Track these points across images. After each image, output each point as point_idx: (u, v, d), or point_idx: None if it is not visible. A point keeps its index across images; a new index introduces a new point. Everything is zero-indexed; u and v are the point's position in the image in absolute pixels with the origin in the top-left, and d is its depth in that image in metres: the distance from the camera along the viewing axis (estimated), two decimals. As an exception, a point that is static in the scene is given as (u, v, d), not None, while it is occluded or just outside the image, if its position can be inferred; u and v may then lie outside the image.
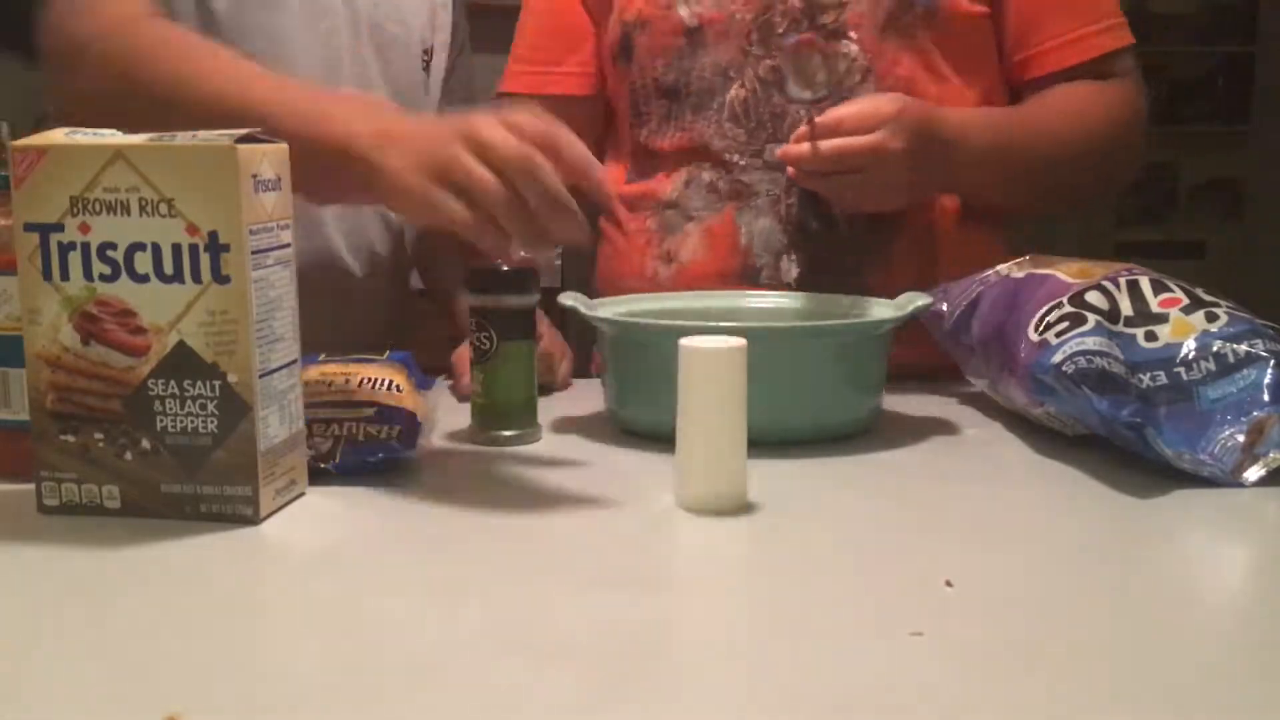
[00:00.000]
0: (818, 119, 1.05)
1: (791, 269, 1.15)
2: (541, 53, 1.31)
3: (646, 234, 1.22)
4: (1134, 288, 0.88)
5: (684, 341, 0.75)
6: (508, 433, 0.93)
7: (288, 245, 0.75)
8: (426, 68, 1.31)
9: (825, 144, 1.04)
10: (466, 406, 1.04)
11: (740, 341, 0.75)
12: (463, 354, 1.05)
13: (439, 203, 0.77)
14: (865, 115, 1.04)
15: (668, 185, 1.21)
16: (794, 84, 1.15)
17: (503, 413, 0.94)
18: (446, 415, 0.99)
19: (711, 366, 0.75)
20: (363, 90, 1.19)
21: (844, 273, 1.14)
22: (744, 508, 0.75)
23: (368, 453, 0.80)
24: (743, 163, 1.17)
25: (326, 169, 0.83)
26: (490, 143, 0.77)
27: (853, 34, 1.14)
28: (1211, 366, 0.83)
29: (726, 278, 1.16)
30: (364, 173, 0.81)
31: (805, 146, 1.05)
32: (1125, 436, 0.79)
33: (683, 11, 1.18)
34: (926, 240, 1.17)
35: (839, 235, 1.15)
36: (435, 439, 0.92)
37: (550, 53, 1.30)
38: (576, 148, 0.78)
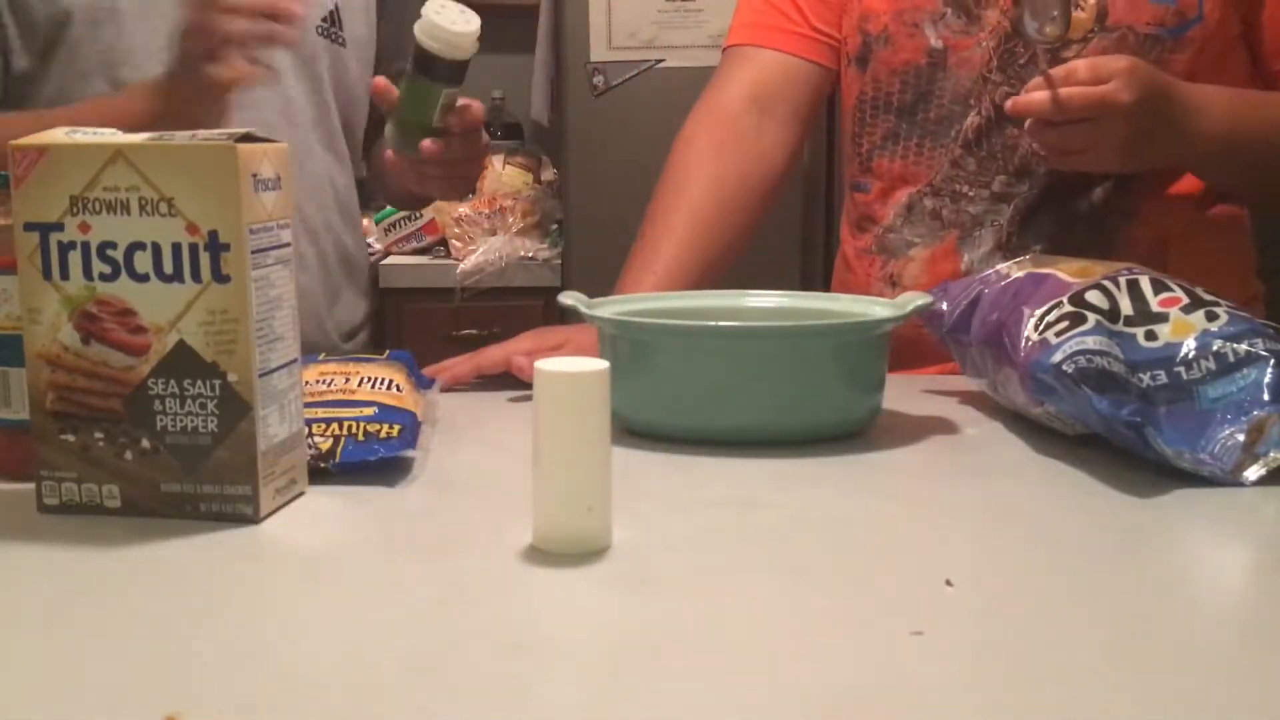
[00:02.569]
0: (1051, 70, 1.04)
1: None
2: (765, 13, 1.29)
3: (870, 257, 1.24)
4: (1134, 287, 0.88)
5: (540, 364, 0.66)
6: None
7: (288, 244, 0.75)
8: (327, 33, 1.29)
9: (1061, 91, 1.03)
10: (466, 406, 1.04)
11: (603, 365, 0.67)
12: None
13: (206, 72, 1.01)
14: (1098, 66, 1.03)
15: (888, 208, 1.22)
16: (1029, 20, 1.09)
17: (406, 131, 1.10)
18: (447, 414, 0.99)
19: (571, 392, 0.66)
20: None
21: None
22: (601, 551, 0.67)
23: (368, 452, 0.80)
24: (971, 194, 1.17)
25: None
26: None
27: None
28: (1211, 366, 0.83)
29: None
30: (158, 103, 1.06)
31: (1037, 95, 1.04)
32: (1125, 436, 0.79)
33: (930, 33, 1.17)
34: (1155, 238, 1.15)
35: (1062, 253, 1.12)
36: (435, 438, 0.92)
37: (777, 12, 1.29)
38: None
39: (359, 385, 0.88)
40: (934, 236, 1.20)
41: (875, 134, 1.23)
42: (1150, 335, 0.85)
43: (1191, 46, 1.13)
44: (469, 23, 1.05)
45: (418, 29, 1.04)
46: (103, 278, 0.71)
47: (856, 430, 0.93)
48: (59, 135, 0.72)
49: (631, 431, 0.91)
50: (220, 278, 0.70)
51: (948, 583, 0.62)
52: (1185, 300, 0.87)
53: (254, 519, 0.72)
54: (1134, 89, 1.02)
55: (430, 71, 1.06)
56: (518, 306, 2.49)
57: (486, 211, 2.62)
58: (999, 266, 1.00)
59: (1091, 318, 0.85)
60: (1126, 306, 0.87)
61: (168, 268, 0.70)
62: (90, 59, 1.18)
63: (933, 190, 1.20)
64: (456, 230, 2.63)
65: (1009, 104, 1.07)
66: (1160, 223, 1.17)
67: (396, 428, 0.83)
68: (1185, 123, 1.07)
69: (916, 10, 1.18)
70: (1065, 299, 0.87)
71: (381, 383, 0.89)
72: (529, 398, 0.67)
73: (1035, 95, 1.04)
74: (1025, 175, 1.16)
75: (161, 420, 0.72)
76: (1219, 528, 0.74)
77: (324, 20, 1.29)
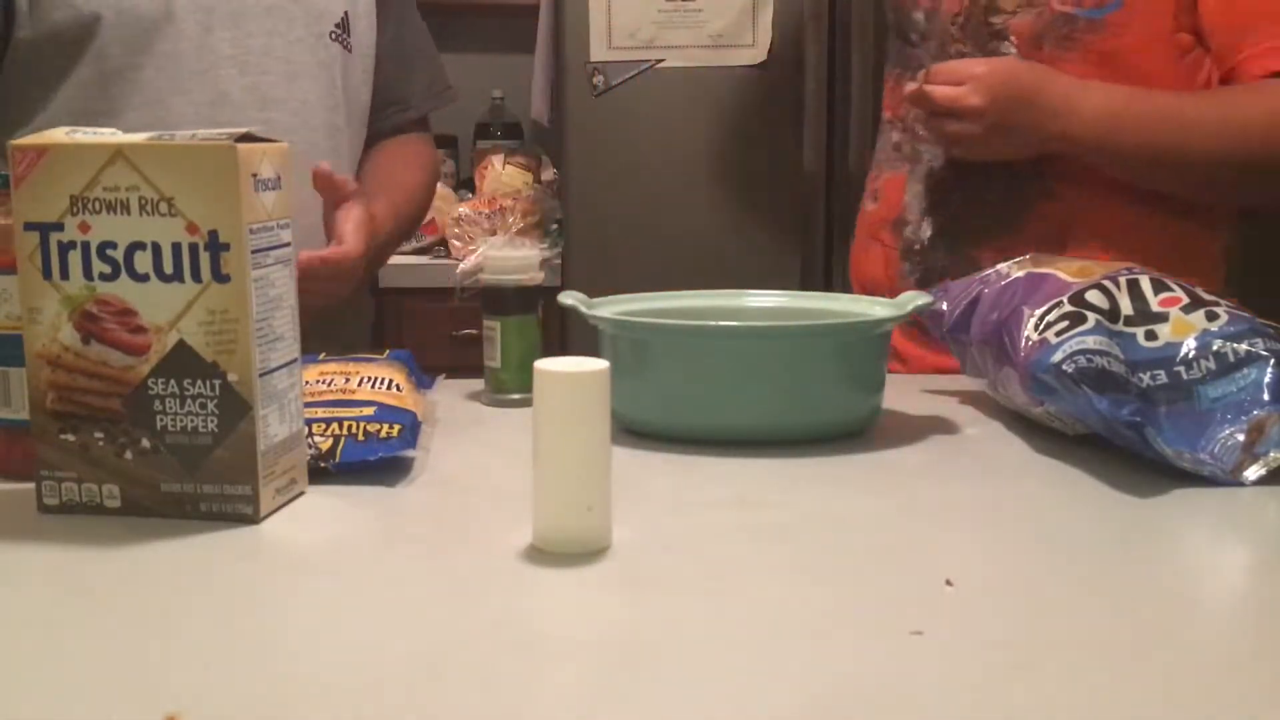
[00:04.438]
0: (930, 67, 1.17)
1: (927, 230, 1.26)
2: None
3: (872, 171, 1.37)
4: (1134, 287, 0.88)
5: (540, 364, 0.66)
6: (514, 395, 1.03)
7: (288, 244, 0.75)
8: (339, 39, 1.31)
9: (908, 88, 1.18)
10: (466, 406, 1.04)
11: (603, 365, 0.67)
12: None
13: None
14: (955, 69, 1.16)
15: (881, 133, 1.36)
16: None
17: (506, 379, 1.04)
18: (447, 414, 0.99)
19: (571, 392, 0.66)
20: (248, 74, 1.23)
21: (968, 244, 1.21)
22: (601, 551, 0.67)
23: (368, 452, 0.80)
24: (922, 132, 1.25)
25: None
26: None
27: (1013, 38, 1.19)
28: (1211, 365, 0.83)
29: (887, 224, 1.30)
30: None
31: (911, 88, 1.17)
32: (1125, 435, 0.79)
33: None
34: (1060, 224, 1.19)
35: (973, 213, 1.22)
36: (435, 438, 0.92)
37: None
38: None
39: (359, 385, 0.88)
40: (894, 165, 1.31)
41: (897, 71, 1.32)
42: (1150, 335, 0.85)
43: (1109, 30, 1.16)
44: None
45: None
46: (103, 277, 0.71)
47: (856, 430, 0.93)
48: (59, 135, 0.72)
49: (631, 431, 0.91)
50: (220, 277, 0.70)
51: (948, 582, 0.62)
52: (1185, 300, 0.87)
53: (254, 519, 0.72)
54: (982, 93, 1.13)
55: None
56: (518, 306, 2.48)
57: (486, 211, 2.62)
58: (999, 266, 1.01)
59: (1091, 317, 0.84)
60: (1126, 306, 0.87)
61: (168, 267, 0.70)
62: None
63: (903, 124, 1.29)
64: (456, 230, 2.63)
65: (904, 92, 1.20)
66: (1072, 206, 1.20)
67: (396, 427, 0.83)
68: (1046, 124, 1.15)
69: None
70: (1065, 299, 0.87)
71: (381, 382, 0.89)
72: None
73: (911, 88, 1.18)
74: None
75: (161, 420, 0.72)
76: (1219, 527, 0.74)
77: (337, 26, 1.29)
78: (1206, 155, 1.15)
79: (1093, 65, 1.16)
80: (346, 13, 1.31)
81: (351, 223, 1.16)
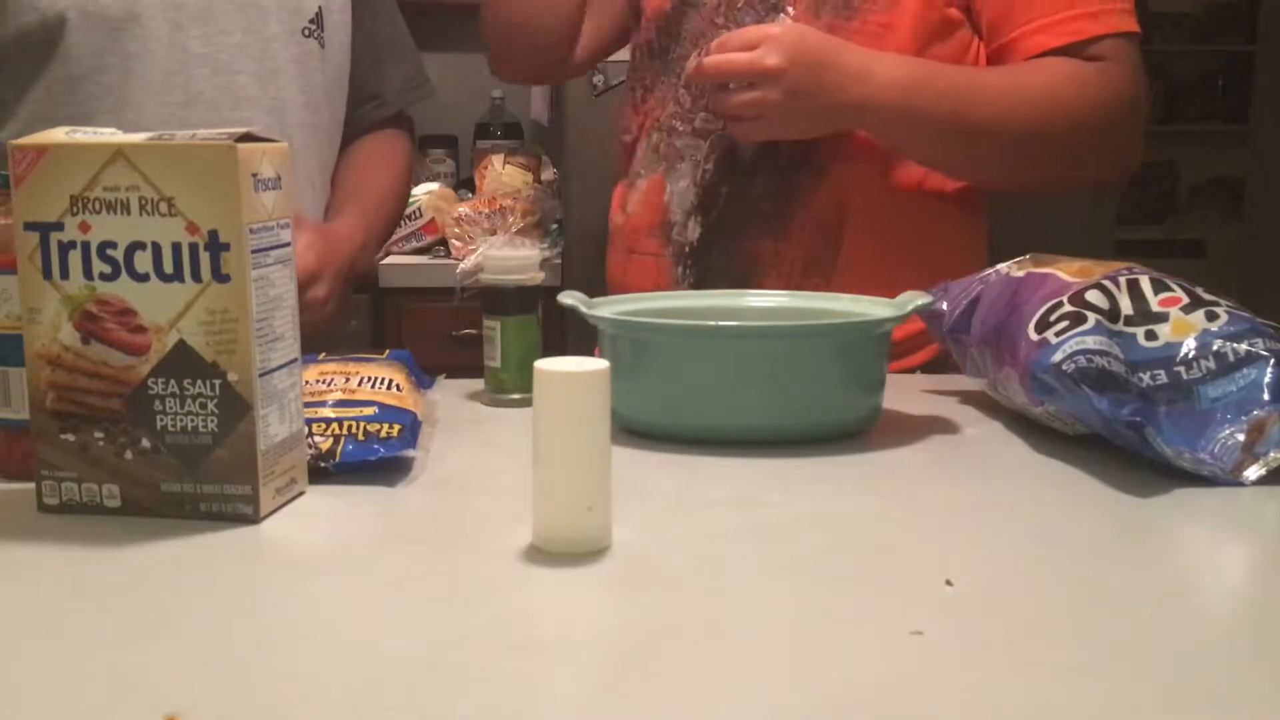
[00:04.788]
0: (721, 37, 1.11)
1: (695, 229, 1.22)
2: None
3: (619, 190, 1.34)
4: (1134, 287, 0.88)
5: (540, 364, 0.66)
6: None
7: (288, 244, 0.75)
8: (314, 35, 1.29)
9: (708, 59, 1.10)
10: (465, 405, 1.04)
11: (603, 364, 0.66)
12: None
13: None
14: (747, 34, 1.10)
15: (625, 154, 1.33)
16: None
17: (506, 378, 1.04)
18: (447, 414, 0.99)
19: (571, 392, 0.66)
20: (221, 73, 1.22)
21: (742, 239, 1.19)
22: (601, 551, 0.67)
23: (368, 452, 0.80)
24: (680, 128, 1.23)
25: None
26: None
27: (790, 9, 1.18)
28: (1212, 365, 0.83)
29: (651, 230, 1.26)
30: None
31: (703, 60, 1.11)
32: (1125, 435, 0.79)
33: None
34: (831, 219, 1.19)
35: (743, 204, 1.20)
36: (435, 438, 0.92)
37: None
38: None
39: (359, 385, 0.88)
40: (651, 168, 1.28)
41: (646, 81, 1.29)
42: (1150, 335, 0.85)
43: (885, 0, 1.16)
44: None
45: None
46: (103, 277, 0.71)
47: (856, 430, 0.93)
48: (59, 135, 0.72)
49: (631, 431, 0.91)
50: (220, 277, 0.70)
51: (948, 582, 0.62)
52: (1185, 300, 0.87)
53: (254, 519, 0.72)
54: (779, 53, 1.07)
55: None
56: (517, 306, 2.48)
57: (486, 211, 2.62)
58: (999, 266, 1.00)
59: (1091, 317, 0.84)
60: (1126, 306, 0.87)
61: (168, 267, 0.70)
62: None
63: (659, 126, 1.27)
64: (456, 230, 2.63)
65: (685, 73, 1.17)
66: (845, 186, 1.19)
67: (397, 427, 0.83)
68: (846, 89, 1.10)
69: None
70: (1065, 298, 0.87)
71: (381, 382, 0.89)
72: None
73: (701, 61, 1.11)
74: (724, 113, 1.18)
75: (161, 420, 0.72)
76: (1219, 527, 0.74)
77: (311, 22, 1.28)
78: (998, 127, 1.14)
79: (871, 36, 1.16)
80: (320, 7, 1.29)
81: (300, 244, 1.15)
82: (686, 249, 1.22)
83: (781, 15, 1.18)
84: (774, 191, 1.20)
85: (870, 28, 1.16)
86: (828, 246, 1.20)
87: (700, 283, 1.21)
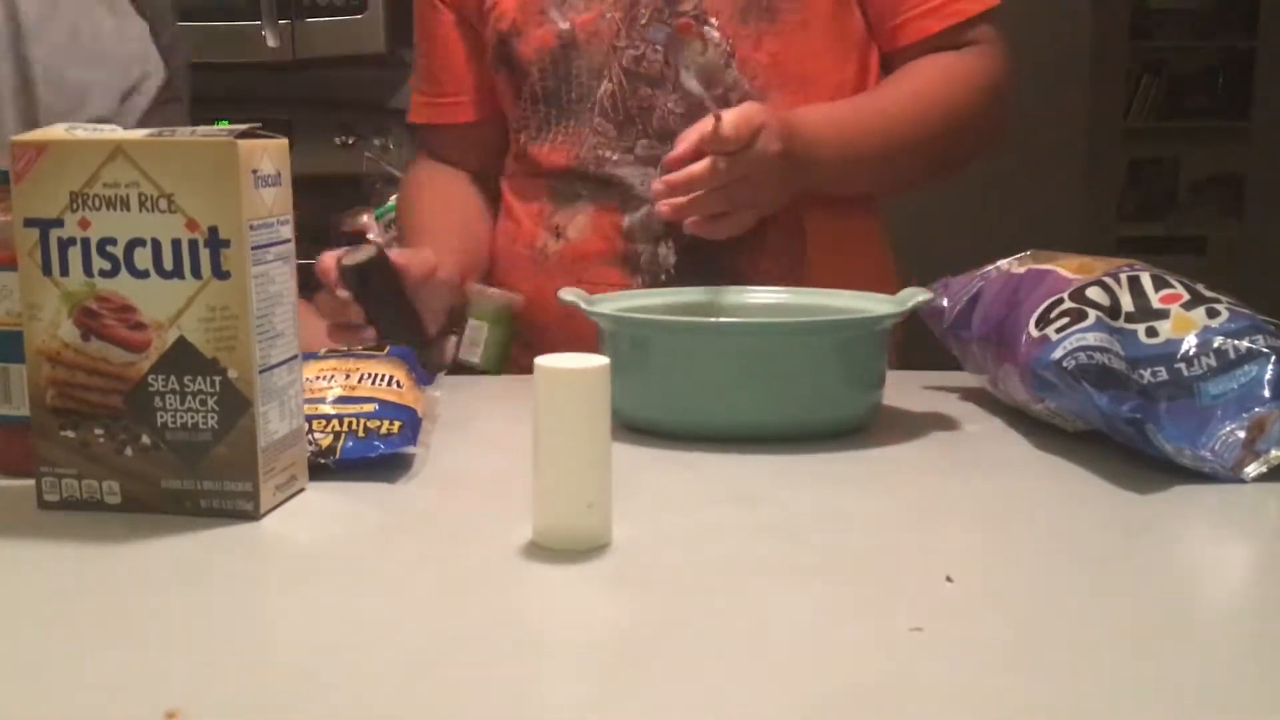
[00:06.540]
0: (697, 140, 1.04)
1: (670, 255, 1.18)
2: (429, 84, 1.35)
3: (540, 206, 1.24)
4: (1135, 283, 0.88)
5: (540, 360, 0.66)
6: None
7: (288, 240, 0.75)
8: (125, 100, 1.26)
9: (715, 161, 1.04)
10: (465, 405, 1.04)
11: (603, 361, 0.66)
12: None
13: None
14: (740, 125, 1.03)
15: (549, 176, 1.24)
16: (685, 75, 1.16)
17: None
18: (447, 411, 0.99)
19: (571, 389, 0.66)
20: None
21: (719, 257, 1.16)
22: (601, 548, 0.67)
23: (368, 448, 0.80)
24: (615, 158, 1.19)
25: None
26: None
27: (714, 20, 1.16)
28: (1212, 362, 0.83)
29: (604, 259, 1.19)
30: None
31: (696, 169, 1.04)
32: (1126, 432, 0.79)
33: (555, 16, 1.19)
34: (796, 227, 1.19)
35: None
36: (436, 434, 0.92)
37: (437, 84, 1.34)
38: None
39: (359, 381, 0.88)
40: (592, 197, 1.20)
41: (531, 126, 1.23)
42: (1151, 332, 0.85)
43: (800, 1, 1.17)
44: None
45: None
46: (103, 274, 0.71)
47: (857, 427, 0.93)
48: (58, 131, 0.72)
49: (631, 428, 0.91)
50: (220, 274, 0.70)
51: (948, 579, 0.62)
52: (1186, 297, 0.87)
53: (254, 515, 0.72)
54: (777, 136, 1.06)
55: None
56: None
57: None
58: (999, 263, 1.01)
59: (1092, 314, 0.84)
60: (1127, 303, 0.87)
61: (168, 264, 0.70)
62: None
63: (579, 161, 1.20)
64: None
65: (658, 188, 1.07)
66: (802, 209, 1.19)
67: (397, 424, 0.83)
68: (814, 151, 1.12)
69: None
70: (1066, 295, 0.87)
71: (382, 379, 0.89)
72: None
73: (693, 169, 1.04)
74: (667, 137, 1.14)
75: (162, 416, 0.72)
76: (1219, 524, 0.74)
77: (127, 90, 1.25)
78: (913, 138, 1.19)
79: (794, 33, 1.16)
80: (137, 84, 1.26)
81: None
82: (663, 276, 1.18)
83: (706, 28, 1.16)
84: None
85: (789, 28, 1.17)
86: (798, 250, 1.20)
87: None
